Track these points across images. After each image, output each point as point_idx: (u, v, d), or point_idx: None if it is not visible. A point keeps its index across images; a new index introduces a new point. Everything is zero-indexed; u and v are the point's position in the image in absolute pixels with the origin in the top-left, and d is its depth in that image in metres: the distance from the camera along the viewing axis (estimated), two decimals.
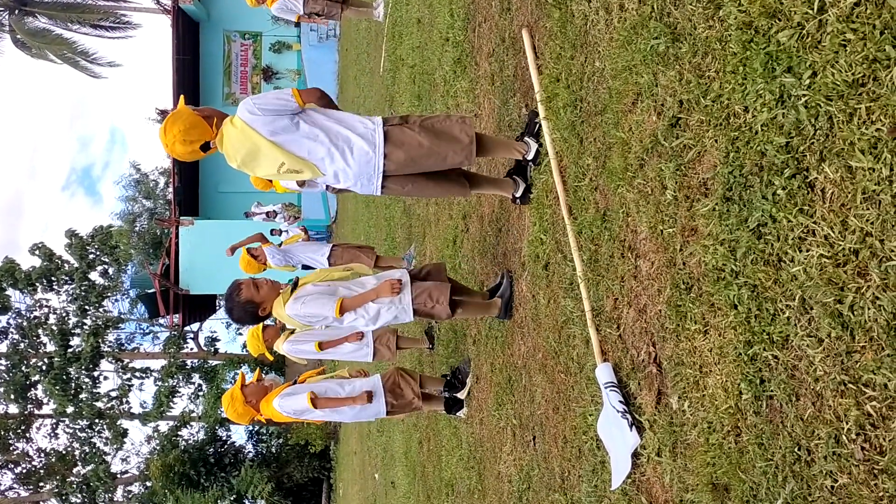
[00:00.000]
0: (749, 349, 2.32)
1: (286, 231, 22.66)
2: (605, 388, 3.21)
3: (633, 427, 3.02)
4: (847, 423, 1.94)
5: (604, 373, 3.27)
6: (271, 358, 7.54)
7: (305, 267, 10.67)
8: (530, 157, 4.36)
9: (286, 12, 11.97)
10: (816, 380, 2.05)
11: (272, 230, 22.78)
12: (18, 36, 29.73)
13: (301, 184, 6.17)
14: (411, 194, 4.46)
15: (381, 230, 11.53)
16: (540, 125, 4.21)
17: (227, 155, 4.09)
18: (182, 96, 4.45)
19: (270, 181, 9.17)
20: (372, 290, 4.79)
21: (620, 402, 3.11)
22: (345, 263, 8.53)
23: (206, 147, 4.02)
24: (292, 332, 6.85)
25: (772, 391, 2.23)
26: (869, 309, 1.87)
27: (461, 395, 5.97)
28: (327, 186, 4.39)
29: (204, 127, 3.98)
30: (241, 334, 42.92)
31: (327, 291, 4.82)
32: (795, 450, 2.12)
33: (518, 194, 4.58)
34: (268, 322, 6.31)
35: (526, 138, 4.37)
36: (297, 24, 25.55)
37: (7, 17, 30.01)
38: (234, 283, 4.84)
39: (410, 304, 4.81)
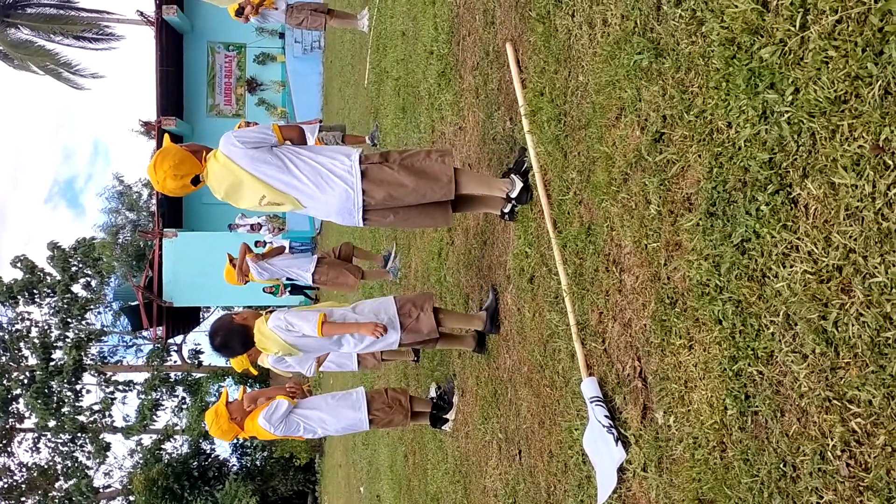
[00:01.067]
0: (734, 364, 2.32)
1: (270, 243, 22.60)
2: (591, 402, 3.21)
3: (619, 442, 3.02)
4: (832, 440, 1.94)
5: (589, 387, 3.27)
6: (255, 372, 7.51)
7: (289, 281, 10.59)
8: (514, 195, 4.34)
9: (267, 22, 12.07)
10: (801, 396, 2.05)
11: (256, 242, 22.71)
12: (0, 47, 29.59)
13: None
14: (394, 225, 4.49)
15: (367, 242, 11.50)
16: (529, 164, 4.20)
17: (211, 188, 4.11)
18: (167, 135, 4.49)
19: (246, 280, 9.14)
20: (356, 323, 4.80)
21: (606, 416, 3.10)
22: (330, 280, 8.51)
23: (196, 181, 4.07)
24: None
25: (757, 407, 2.22)
26: (853, 325, 1.87)
27: (449, 416, 5.94)
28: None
29: (193, 161, 4.03)
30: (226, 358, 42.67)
31: (313, 309, 4.84)
32: (781, 466, 2.11)
33: (506, 210, 4.57)
34: None
35: (512, 175, 4.35)
36: (282, 36, 25.59)
37: None
38: (221, 318, 4.88)
39: (397, 316, 4.81)
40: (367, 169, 4.06)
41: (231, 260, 9.20)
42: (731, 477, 2.32)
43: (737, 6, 2.27)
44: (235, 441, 34.89)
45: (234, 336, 4.76)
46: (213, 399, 36.12)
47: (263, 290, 22.47)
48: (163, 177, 4.01)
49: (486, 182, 4.46)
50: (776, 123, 2.12)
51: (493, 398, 4.83)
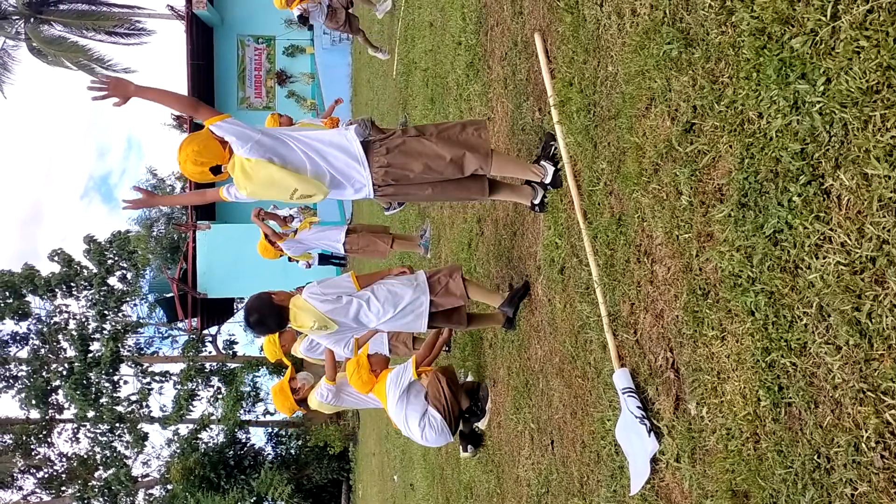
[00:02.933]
0: (767, 356, 2.31)
1: (298, 219, 22.74)
2: (623, 393, 3.21)
3: (652, 433, 3.02)
4: (866, 431, 1.93)
5: (621, 378, 3.27)
6: (289, 363, 7.58)
7: (322, 256, 10.65)
8: (548, 180, 4.36)
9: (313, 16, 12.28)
10: (835, 387, 2.04)
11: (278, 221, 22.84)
12: (34, 44, 29.98)
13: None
14: (433, 199, 4.51)
15: (396, 231, 11.52)
16: (556, 148, 4.21)
17: (237, 183, 4.14)
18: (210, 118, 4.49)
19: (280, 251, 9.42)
20: (387, 269, 5.04)
21: (638, 407, 3.10)
22: (361, 248, 8.56)
23: (216, 170, 4.07)
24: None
25: (790, 398, 2.22)
26: (887, 317, 1.86)
27: (482, 424, 5.95)
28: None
29: (217, 151, 4.03)
30: (258, 337, 43.09)
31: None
32: (815, 457, 2.11)
33: (536, 201, 4.58)
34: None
35: (542, 162, 4.37)
36: (311, 28, 25.66)
37: (23, 25, 30.27)
38: (258, 296, 4.85)
39: (426, 282, 4.87)
40: (404, 142, 4.08)
41: (267, 237, 9.31)
42: (765, 468, 2.32)
43: None
44: (270, 430, 35.32)
45: (270, 314, 4.76)
46: (247, 388, 36.53)
47: (289, 260, 22.63)
48: (184, 159, 4.07)
49: (521, 165, 4.48)
50: (808, 114, 2.10)
51: (525, 388, 4.85)
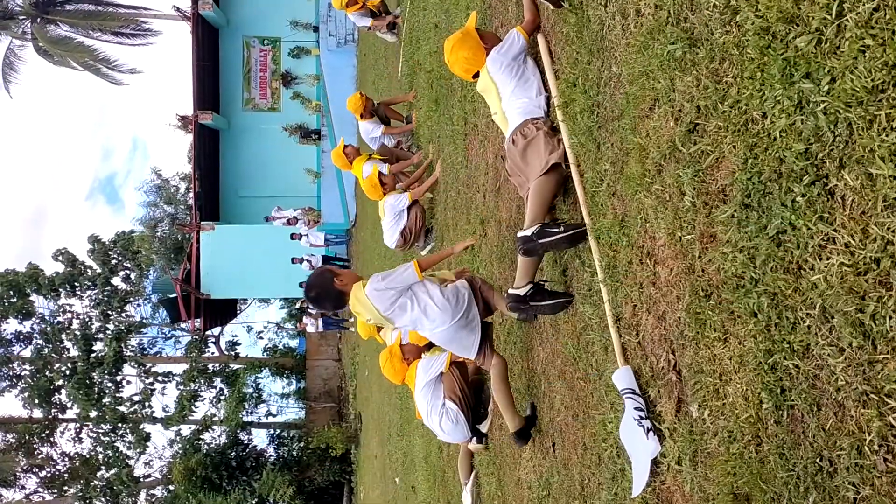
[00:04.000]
0: (769, 358, 2.29)
1: (307, 235, 22.78)
2: (624, 394, 3.19)
3: (651, 433, 3.00)
4: (869, 434, 1.91)
5: (622, 378, 3.25)
6: (382, 340, 7.61)
7: (326, 259, 10.75)
8: None
9: (362, 19, 13.12)
10: (838, 390, 2.02)
11: (292, 235, 22.90)
12: (40, 44, 30.07)
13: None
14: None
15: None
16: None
17: (479, 82, 4.64)
18: (475, 13, 4.97)
19: (350, 163, 10.09)
20: (449, 249, 5.20)
21: (637, 408, 3.09)
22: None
23: (476, 76, 4.62)
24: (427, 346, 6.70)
25: (793, 401, 2.20)
26: (891, 318, 1.84)
27: (484, 426, 5.93)
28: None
29: (481, 59, 4.52)
30: (261, 338, 43.18)
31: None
32: (817, 460, 2.09)
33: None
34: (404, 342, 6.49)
35: None
36: (316, 29, 25.69)
37: (29, 25, 30.37)
38: (323, 273, 4.80)
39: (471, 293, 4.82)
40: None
41: (379, 175, 9.44)
42: (767, 471, 2.30)
43: None
44: (272, 432, 35.32)
45: (327, 297, 4.72)
46: (249, 390, 36.55)
47: (292, 261, 22.65)
48: (454, 60, 4.62)
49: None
50: (812, 113, 2.08)
51: (527, 390, 4.83)
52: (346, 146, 10.41)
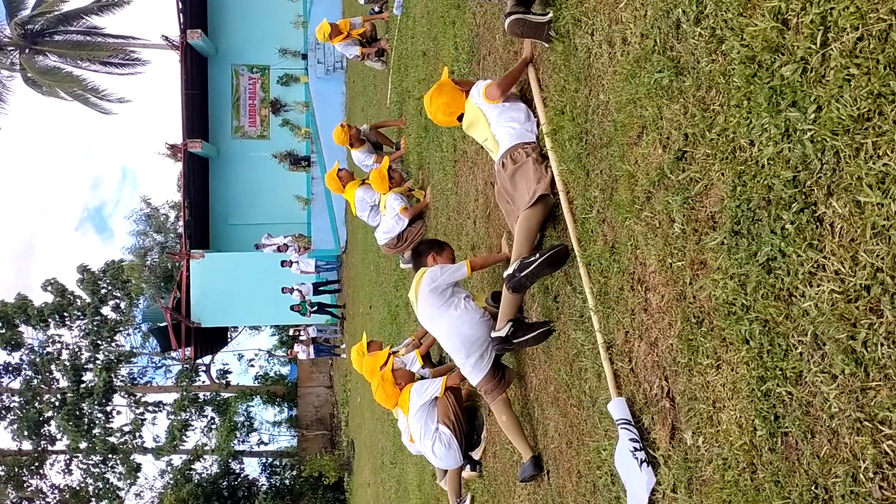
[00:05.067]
0: (762, 385, 2.29)
1: (297, 262, 22.73)
2: (619, 424, 3.18)
3: (644, 464, 2.99)
4: (864, 462, 1.91)
5: (617, 408, 3.24)
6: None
7: (316, 286, 10.74)
8: None
9: (349, 48, 13.00)
10: (832, 417, 2.02)
11: (282, 262, 22.85)
12: (29, 74, 30.10)
13: None
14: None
15: (391, 260, 11.52)
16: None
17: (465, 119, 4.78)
18: (446, 68, 5.16)
19: (343, 187, 10.31)
20: (498, 253, 5.24)
21: (632, 440, 3.07)
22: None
23: (461, 118, 4.80)
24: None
25: (787, 428, 2.19)
26: (882, 345, 1.85)
27: (476, 454, 5.90)
28: None
29: (461, 101, 4.75)
30: (252, 366, 42.98)
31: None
32: (812, 488, 2.08)
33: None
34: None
35: None
36: (305, 57, 25.81)
37: (17, 55, 30.40)
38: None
39: None
40: None
41: (389, 170, 9.46)
42: (762, 499, 2.29)
43: (756, 24, 2.26)
44: (264, 461, 35.04)
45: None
46: (241, 418, 36.30)
47: (291, 308, 22.63)
48: (435, 110, 4.85)
49: None
50: (799, 141, 2.10)
51: (521, 417, 4.81)
52: (340, 170, 10.49)
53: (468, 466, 6.00)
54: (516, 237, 4.18)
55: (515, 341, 4.25)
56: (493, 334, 4.35)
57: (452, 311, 4.81)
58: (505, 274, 4.10)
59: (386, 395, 6.13)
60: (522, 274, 3.95)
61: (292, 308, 22.65)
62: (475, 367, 4.71)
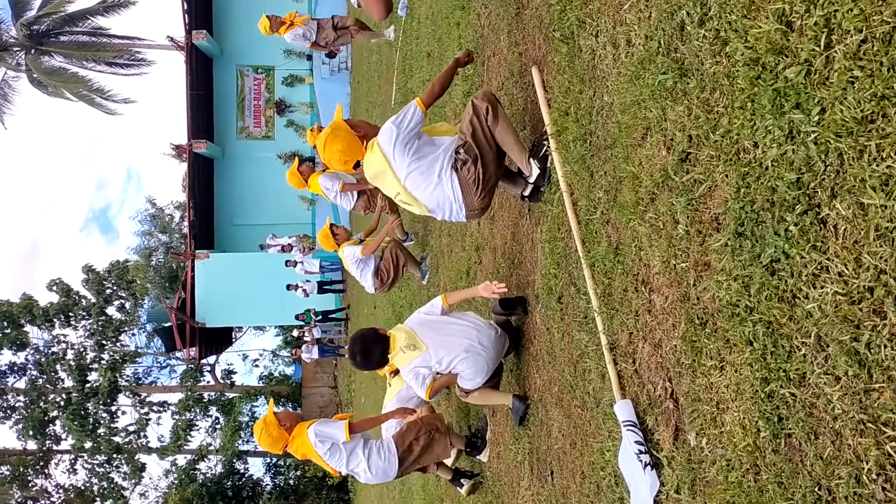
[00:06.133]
0: (766, 386, 2.29)
1: (302, 262, 22.77)
2: (624, 426, 3.18)
3: (648, 467, 2.99)
4: (867, 463, 1.91)
5: (622, 410, 3.24)
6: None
7: (321, 284, 10.64)
8: (532, 179, 4.48)
9: (300, 38, 12.39)
10: (835, 418, 2.02)
11: (287, 262, 22.89)
12: (35, 75, 30.19)
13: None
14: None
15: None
16: (548, 147, 4.31)
17: (364, 167, 4.48)
18: (339, 106, 5.01)
19: (306, 181, 9.91)
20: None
21: (637, 442, 3.07)
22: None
23: (357, 165, 4.56)
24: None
25: (790, 429, 2.20)
26: (886, 347, 1.85)
27: (483, 456, 5.88)
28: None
29: (358, 148, 4.49)
30: (256, 366, 43.02)
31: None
32: (816, 489, 2.08)
33: (527, 193, 4.58)
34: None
35: (530, 160, 4.46)
36: (310, 58, 25.84)
37: (23, 56, 30.50)
38: (364, 329, 4.96)
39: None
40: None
41: (300, 162, 9.65)
42: (766, 500, 2.29)
43: (760, 26, 2.26)
44: (269, 461, 35.07)
45: (378, 353, 4.90)
46: (245, 419, 36.36)
47: (296, 318, 22.71)
48: (330, 156, 4.53)
49: (517, 146, 4.60)
50: (803, 143, 2.10)
51: (524, 418, 4.81)
52: (332, 225, 9.54)
53: (464, 481, 6.02)
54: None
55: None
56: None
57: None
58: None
59: (272, 440, 5.65)
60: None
61: (297, 317, 22.77)
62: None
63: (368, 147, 4.40)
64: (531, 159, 4.39)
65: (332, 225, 9.24)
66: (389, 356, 4.83)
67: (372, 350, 4.86)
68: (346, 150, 4.46)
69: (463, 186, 4.24)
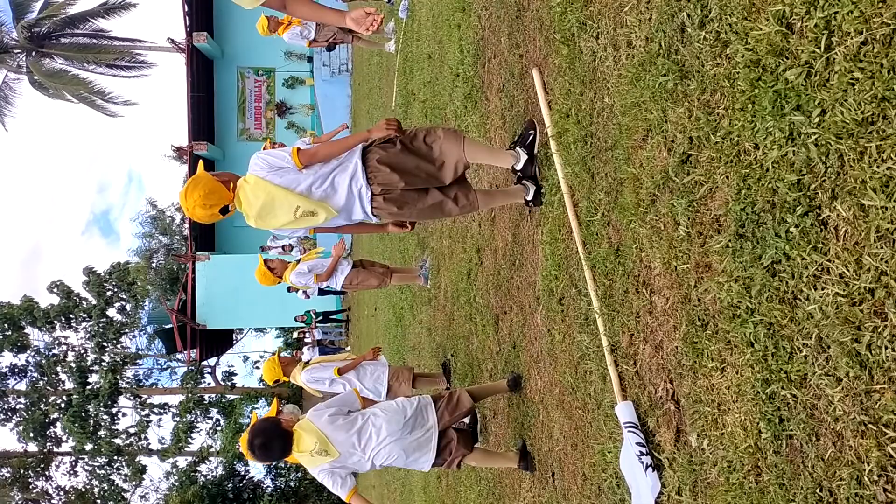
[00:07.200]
0: (767, 387, 2.30)
1: (298, 261, 22.77)
2: (625, 427, 3.18)
3: (649, 469, 2.99)
4: (868, 464, 1.91)
5: (623, 411, 3.24)
6: (285, 379, 7.57)
7: (322, 292, 10.68)
8: (518, 167, 4.51)
9: (297, 38, 12.43)
10: (836, 419, 2.02)
11: (288, 289, 22.95)
12: (35, 77, 30.23)
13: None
14: (412, 216, 4.47)
15: (396, 263, 11.53)
16: (533, 137, 4.40)
17: (244, 213, 4.23)
18: (201, 161, 4.71)
19: (280, 278, 9.35)
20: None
21: (638, 444, 3.08)
22: (359, 283, 8.68)
23: (224, 210, 4.21)
24: (308, 363, 6.99)
25: (791, 430, 2.20)
26: (887, 348, 1.85)
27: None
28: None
29: (222, 191, 4.15)
30: (257, 368, 43.03)
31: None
32: (817, 490, 2.09)
33: (529, 197, 4.59)
34: (284, 354, 6.59)
35: (517, 148, 4.51)
36: (310, 60, 25.87)
37: (24, 58, 30.54)
38: (266, 420, 4.84)
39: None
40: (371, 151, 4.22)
41: (264, 262, 9.34)
42: (767, 502, 2.30)
43: (761, 28, 2.27)
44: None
45: (279, 443, 4.76)
46: (246, 420, 36.34)
47: (295, 319, 22.71)
48: (192, 205, 4.14)
49: (493, 152, 4.65)
50: (803, 145, 2.11)
51: (526, 420, 4.82)
52: (266, 261, 9.51)
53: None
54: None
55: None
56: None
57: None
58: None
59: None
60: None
61: (296, 319, 22.76)
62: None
63: (238, 187, 4.19)
64: (517, 147, 4.43)
65: (265, 261, 9.29)
66: (294, 453, 4.77)
67: (271, 445, 4.76)
68: (207, 195, 4.12)
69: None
